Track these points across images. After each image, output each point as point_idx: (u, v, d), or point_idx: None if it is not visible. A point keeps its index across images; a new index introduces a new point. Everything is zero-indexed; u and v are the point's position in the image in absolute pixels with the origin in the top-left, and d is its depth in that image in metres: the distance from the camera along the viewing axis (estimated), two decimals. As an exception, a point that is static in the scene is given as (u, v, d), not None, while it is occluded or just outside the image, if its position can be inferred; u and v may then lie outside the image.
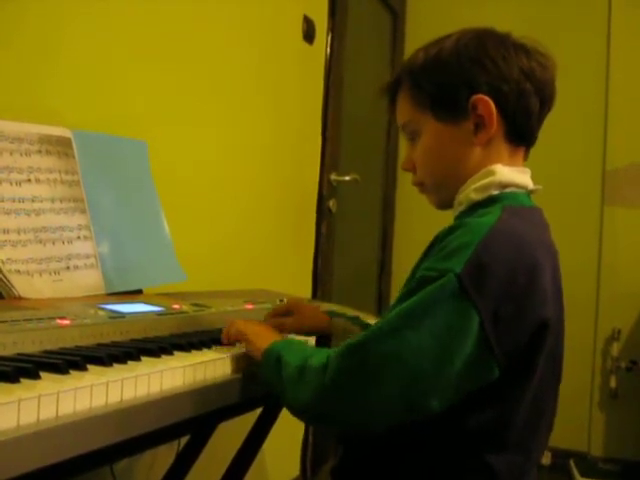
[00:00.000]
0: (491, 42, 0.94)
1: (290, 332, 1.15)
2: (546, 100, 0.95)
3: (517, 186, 0.94)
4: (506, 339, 0.81)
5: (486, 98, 0.91)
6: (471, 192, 0.93)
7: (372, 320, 1.63)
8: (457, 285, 0.79)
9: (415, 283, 0.84)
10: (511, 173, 0.93)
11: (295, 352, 0.92)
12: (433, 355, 0.78)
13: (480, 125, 0.93)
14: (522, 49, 0.94)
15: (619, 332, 3.00)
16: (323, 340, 1.20)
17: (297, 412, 0.91)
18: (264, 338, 0.98)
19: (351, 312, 1.33)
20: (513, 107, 0.93)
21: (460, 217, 0.95)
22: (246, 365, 0.98)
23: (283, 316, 1.19)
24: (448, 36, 0.97)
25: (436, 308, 0.79)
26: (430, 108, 0.96)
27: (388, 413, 0.82)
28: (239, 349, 1.01)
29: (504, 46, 0.94)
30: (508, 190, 0.93)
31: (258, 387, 0.99)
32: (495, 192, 0.92)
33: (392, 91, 1.02)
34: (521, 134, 0.95)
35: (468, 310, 0.79)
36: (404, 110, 1.00)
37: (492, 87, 0.92)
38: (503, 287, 0.80)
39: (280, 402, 0.96)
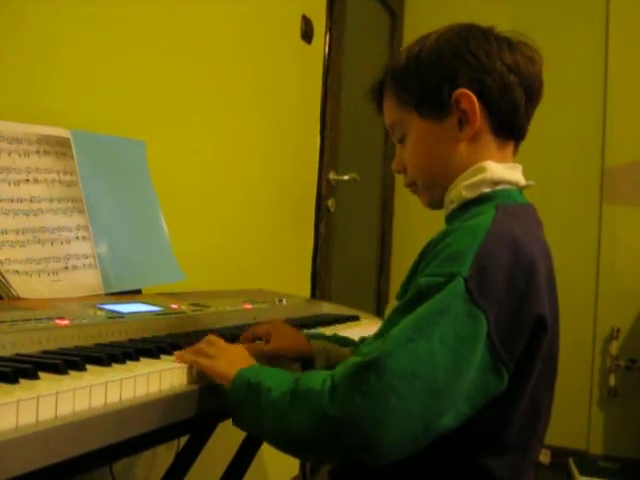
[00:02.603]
0: (473, 36, 0.93)
1: (269, 357, 1.04)
2: (533, 93, 0.94)
3: (509, 183, 0.92)
4: (510, 343, 0.80)
5: (468, 92, 0.90)
6: (462, 190, 0.92)
7: (370, 322, 1.64)
8: (465, 289, 0.78)
9: (420, 290, 0.81)
10: (502, 170, 0.92)
11: (273, 376, 0.84)
12: (446, 364, 0.76)
13: (464, 120, 0.91)
14: (505, 42, 0.93)
15: (618, 331, 3.01)
16: (306, 364, 1.11)
17: (289, 445, 0.83)
18: (230, 362, 0.89)
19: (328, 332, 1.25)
20: (497, 100, 0.91)
21: (452, 215, 0.94)
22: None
23: (260, 340, 1.09)
24: (430, 34, 0.96)
25: (446, 315, 0.77)
26: (415, 107, 0.95)
27: (405, 437, 0.76)
28: None
29: (486, 40, 0.93)
30: (500, 187, 0.92)
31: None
32: (487, 190, 0.91)
33: (378, 93, 1.01)
34: (508, 128, 0.94)
35: (477, 315, 0.78)
36: (390, 111, 0.99)
37: (475, 81, 0.90)
38: (503, 291, 0.80)
39: (256, 433, 0.87)
